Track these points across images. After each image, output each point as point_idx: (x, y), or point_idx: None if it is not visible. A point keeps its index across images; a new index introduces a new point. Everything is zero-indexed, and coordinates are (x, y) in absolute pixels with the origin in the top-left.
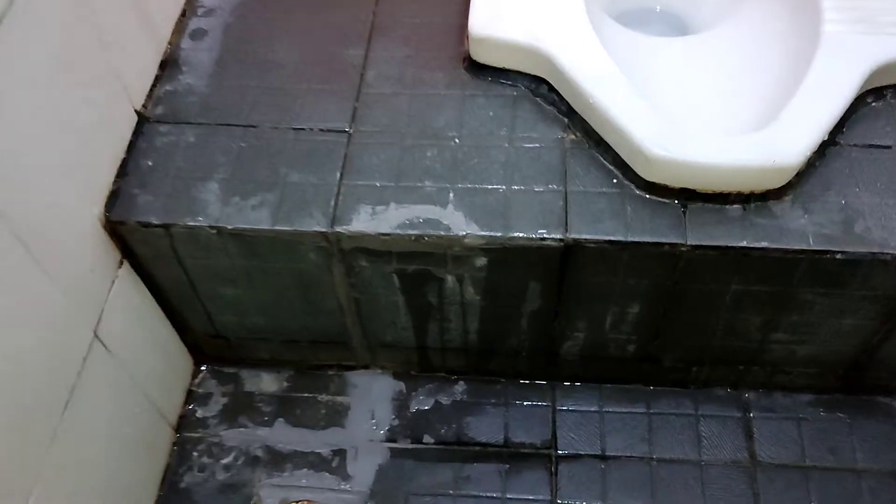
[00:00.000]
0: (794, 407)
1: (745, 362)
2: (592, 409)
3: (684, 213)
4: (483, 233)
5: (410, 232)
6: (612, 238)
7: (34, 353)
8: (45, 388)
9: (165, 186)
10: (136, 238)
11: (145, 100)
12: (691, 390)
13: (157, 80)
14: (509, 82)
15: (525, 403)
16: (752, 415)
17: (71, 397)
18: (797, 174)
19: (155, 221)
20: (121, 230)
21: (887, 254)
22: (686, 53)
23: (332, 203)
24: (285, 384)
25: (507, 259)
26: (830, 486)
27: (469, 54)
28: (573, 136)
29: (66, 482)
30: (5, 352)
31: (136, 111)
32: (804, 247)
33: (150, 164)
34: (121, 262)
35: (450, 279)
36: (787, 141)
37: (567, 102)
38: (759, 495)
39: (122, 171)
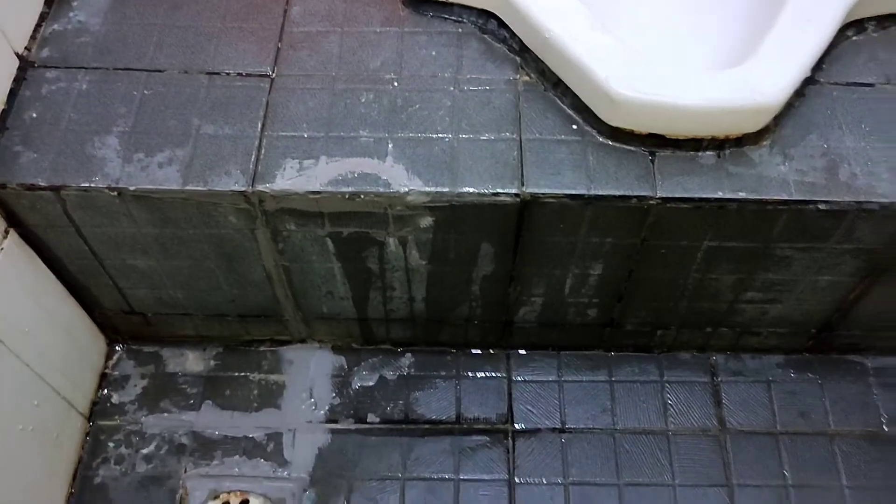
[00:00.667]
0: (763, 369)
1: (714, 324)
2: (550, 378)
3: (653, 161)
4: (428, 189)
5: (344, 189)
6: (574, 192)
7: None
8: None
9: (54, 142)
10: (22, 203)
11: (28, 41)
12: (655, 355)
13: (43, 17)
14: (454, 17)
15: (478, 375)
16: (719, 379)
17: None
18: (776, 116)
19: (42, 183)
20: (2, 195)
21: (874, 202)
22: None
23: (253, 158)
24: (212, 363)
25: (455, 218)
26: (803, 452)
27: None
28: (527, 78)
29: None
30: None
31: (17, 54)
32: (785, 197)
33: (34, 115)
34: (6, 232)
35: (392, 242)
36: (767, 78)
37: (519, 39)
38: (729, 465)
39: (2, 124)
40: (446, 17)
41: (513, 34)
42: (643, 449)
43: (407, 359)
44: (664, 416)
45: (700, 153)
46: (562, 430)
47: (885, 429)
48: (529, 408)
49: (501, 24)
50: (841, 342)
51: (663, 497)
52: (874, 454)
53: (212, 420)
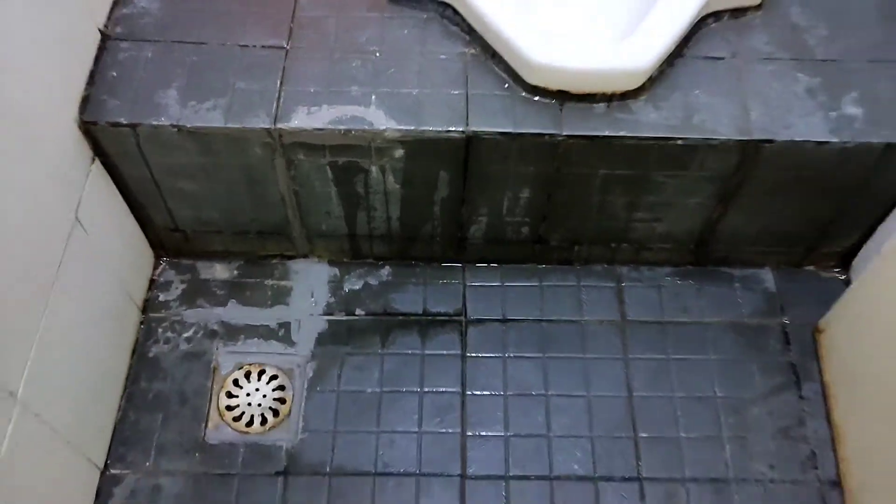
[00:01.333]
0: (656, 278)
1: (617, 240)
2: (495, 284)
3: (561, 110)
4: (400, 127)
5: (340, 127)
6: (504, 130)
7: (27, 228)
8: (37, 262)
9: (130, 93)
10: (107, 137)
11: (106, 21)
12: (575, 267)
13: (116, 3)
14: (421, 7)
15: (440, 282)
16: (623, 285)
17: (58, 271)
18: (650, 79)
19: (123, 122)
20: (93, 130)
21: (717, 139)
22: None
23: (274, 105)
24: (236, 272)
25: (420, 150)
26: (682, 336)
27: None
28: (473, 51)
29: (55, 350)
30: (7, 222)
31: (99, 30)
32: (654, 135)
33: (115, 74)
34: (93, 160)
35: (374, 170)
36: (643, 51)
37: (468, 23)
38: (627, 345)
39: (91, 80)
40: (415, 6)
41: (463, 20)
42: (562, 333)
43: (386, 270)
44: (580, 311)
45: (595, 104)
46: (503, 321)
47: (745, 321)
48: (479, 305)
49: (455, 12)
50: (713, 256)
51: (576, 365)
52: (735, 337)
53: (236, 313)
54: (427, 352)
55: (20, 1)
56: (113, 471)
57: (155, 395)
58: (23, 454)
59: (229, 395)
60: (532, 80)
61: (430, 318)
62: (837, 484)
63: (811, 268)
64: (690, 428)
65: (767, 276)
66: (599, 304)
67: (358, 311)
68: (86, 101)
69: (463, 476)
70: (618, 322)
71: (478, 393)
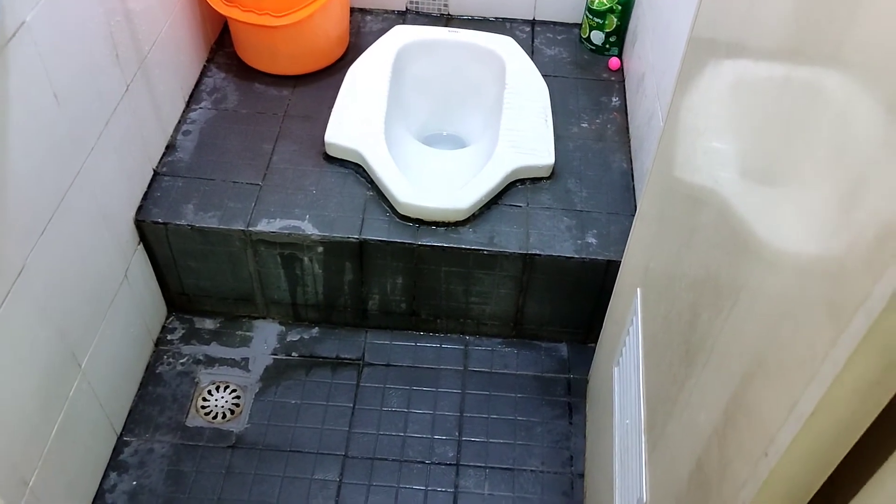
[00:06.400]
0: (490, 345)
1: (463, 317)
2: (385, 342)
3: (417, 230)
4: (322, 233)
5: (286, 231)
6: (382, 239)
7: (98, 276)
8: (100, 299)
9: (165, 204)
10: (149, 230)
11: (157, 164)
12: (438, 335)
13: (164, 154)
14: (342, 165)
15: (350, 338)
16: (468, 347)
17: (110, 307)
18: (473, 215)
19: (160, 221)
20: (142, 225)
21: (507, 252)
22: (449, 156)
23: (249, 217)
24: (218, 325)
25: (333, 249)
26: (502, 381)
27: (325, 151)
28: (370, 193)
29: (102, 353)
30: (89, 270)
31: (153, 169)
32: (471, 247)
33: (158, 194)
34: (138, 244)
35: (306, 259)
36: (465, 198)
37: (369, 177)
38: (465, 384)
39: (144, 197)
40: (341, 166)
41: (366, 175)
42: (424, 375)
43: (314, 330)
44: (438, 362)
45: (437, 227)
46: (387, 366)
47: (544, 375)
48: (373, 354)
49: (363, 171)
50: (527, 333)
51: (429, 395)
52: (536, 384)
53: (215, 350)
54: (335, 381)
55: (114, 155)
56: (125, 437)
57: (157, 395)
58: (77, 414)
59: (204, 399)
60: (401, 211)
61: (339, 361)
62: (582, 476)
63: (592, 344)
64: (495, 436)
65: (563, 348)
66: (451, 358)
67: (293, 354)
68: (140, 209)
69: (346, 456)
70: (461, 371)
71: (364, 408)
